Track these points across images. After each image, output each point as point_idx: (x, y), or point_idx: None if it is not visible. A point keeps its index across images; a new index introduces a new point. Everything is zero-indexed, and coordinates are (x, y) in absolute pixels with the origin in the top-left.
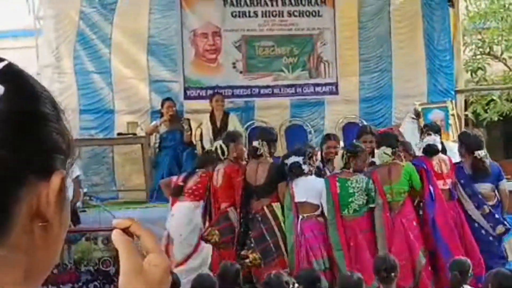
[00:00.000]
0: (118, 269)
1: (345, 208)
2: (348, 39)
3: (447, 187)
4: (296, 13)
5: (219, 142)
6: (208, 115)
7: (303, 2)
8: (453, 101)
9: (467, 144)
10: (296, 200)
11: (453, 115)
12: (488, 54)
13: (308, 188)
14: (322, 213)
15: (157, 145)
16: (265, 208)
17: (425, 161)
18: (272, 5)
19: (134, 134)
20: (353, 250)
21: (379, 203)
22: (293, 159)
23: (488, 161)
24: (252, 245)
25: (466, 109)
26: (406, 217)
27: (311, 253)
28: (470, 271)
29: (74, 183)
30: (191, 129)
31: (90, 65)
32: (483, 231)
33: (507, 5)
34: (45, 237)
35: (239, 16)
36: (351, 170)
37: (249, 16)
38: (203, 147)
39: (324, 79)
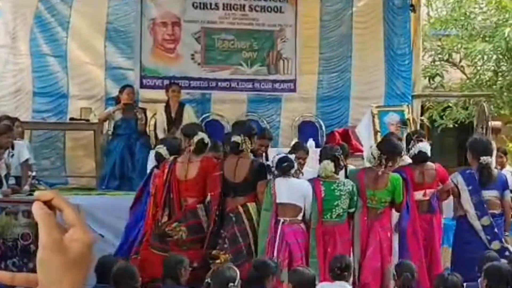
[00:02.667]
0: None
1: (328, 213)
2: (308, 37)
3: (427, 198)
4: (257, 8)
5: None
6: (163, 105)
7: None
8: (410, 106)
9: (473, 149)
10: (278, 201)
11: (408, 119)
12: (447, 61)
13: (292, 189)
14: (303, 218)
15: (110, 132)
16: (239, 207)
17: (407, 170)
18: None
19: (87, 120)
20: (330, 257)
21: (359, 206)
22: (282, 156)
23: (495, 168)
24: (225, 245)
25: (422, 114)
26: (382, 226)
27: (293, 261)
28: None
29: (22, 166)
30: (146, 119)
31: (46, 48)
32: (481, 243)
33: (468, 13)
34: None
35: (200, 8)
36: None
37: (210, 8)
38: (156, 137)
39: (283, 75)
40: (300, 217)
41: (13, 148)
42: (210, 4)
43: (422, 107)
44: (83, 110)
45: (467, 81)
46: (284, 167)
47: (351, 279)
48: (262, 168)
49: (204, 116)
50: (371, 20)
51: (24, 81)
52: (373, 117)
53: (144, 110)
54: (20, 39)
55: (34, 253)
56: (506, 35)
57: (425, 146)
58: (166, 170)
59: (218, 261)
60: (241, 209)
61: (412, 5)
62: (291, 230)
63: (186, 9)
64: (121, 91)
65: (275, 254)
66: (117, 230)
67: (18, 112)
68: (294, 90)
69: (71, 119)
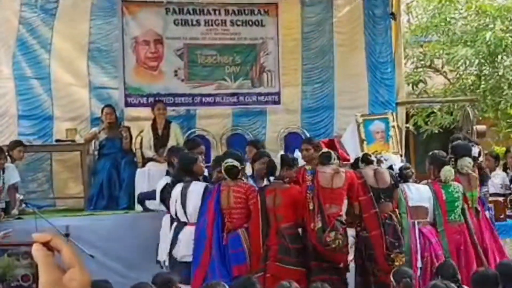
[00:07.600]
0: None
1: (451, 214)
2: (291, 49)
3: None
4: (239, 23)
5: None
6: (148, 122)
7: (246, 12)
8: (394, 113)
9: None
10: (411, 204)
11: (393, 126)
12: (429, 67)
13: (420, 192)
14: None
15: (96, 152)
16: (391, 213)
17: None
18: (215, 14)
19: (73, 141)
20: (464, 254)
21: (465, 208)
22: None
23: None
24: (402, 248)
25: (407, 121)
26: (485, 221)
27: (435, 260)
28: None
29: (10, 190)
30: (131, 137)
31: (30, 71)
32: None
33: (448, 19)
34: None
35: (182, 24)
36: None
37: (192, 25)
38: (142, 155)
39: (267, 88)
40: (428, 219)
41: (3, 172)
42: (192, 20)
43: (407, 114)
44: (68, 131)
45: (450, 86)
46: (405, 176)
47: None
48: (395, 177)
49: (190, 132)
50: (352, 29)
51: (9, 104)
52: (358, 126)
53: (128, 128)
54: (3, 63)
55: None
56: (487, 39)
57: (477, 151)
58: (308, 178)
59: (396, 263)
60: (393, 215)
61: (392, 13)
62: (428, 230)
63: (168, 26)
64: (101, 112)
65: (418, 253)
66: (107, 250)
67: (3, 136)
68: (278, 103)
69: (57, 140)
